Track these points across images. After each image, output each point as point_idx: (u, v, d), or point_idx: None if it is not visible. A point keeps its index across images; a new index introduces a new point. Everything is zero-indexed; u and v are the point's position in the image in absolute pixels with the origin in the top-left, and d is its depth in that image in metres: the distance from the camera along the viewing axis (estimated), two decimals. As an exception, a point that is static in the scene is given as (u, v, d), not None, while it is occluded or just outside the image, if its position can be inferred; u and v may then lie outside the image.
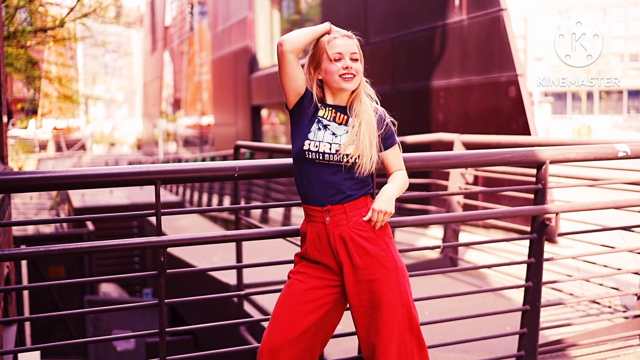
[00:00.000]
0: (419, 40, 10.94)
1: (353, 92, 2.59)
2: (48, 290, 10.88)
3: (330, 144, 2.50)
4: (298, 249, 2.75)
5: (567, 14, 67.95)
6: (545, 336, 4.06)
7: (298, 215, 9.93)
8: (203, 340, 7.67)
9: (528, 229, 3.74)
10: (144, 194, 17.32)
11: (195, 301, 3.29)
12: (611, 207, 4.11)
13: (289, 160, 3.00)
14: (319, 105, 2.59)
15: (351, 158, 2.48)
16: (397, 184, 2.61)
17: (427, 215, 6.39)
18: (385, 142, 2.61)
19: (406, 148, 7.33)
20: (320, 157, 2.50)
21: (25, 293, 10.31)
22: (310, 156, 2.51)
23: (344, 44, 2.55)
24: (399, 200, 2.85)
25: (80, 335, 10.62)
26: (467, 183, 6.53)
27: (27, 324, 9.37)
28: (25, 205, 23.85)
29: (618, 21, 69.45)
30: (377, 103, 2.65)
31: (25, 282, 10.46)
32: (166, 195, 17.99)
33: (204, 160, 20.82)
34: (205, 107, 34.62)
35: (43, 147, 38.76)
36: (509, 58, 8.86)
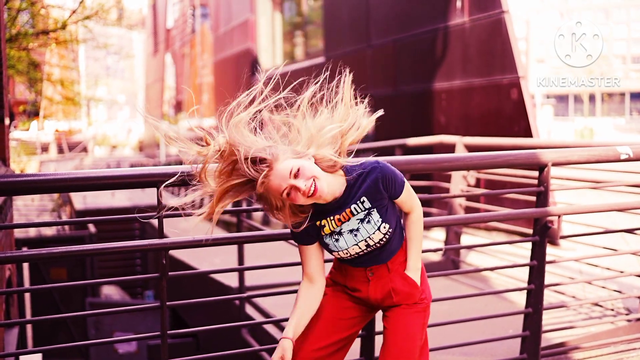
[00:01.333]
0: (421, 43, 10.94)
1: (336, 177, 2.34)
2: (50, 292, 10.88)
3: (357, 244, 2.36)
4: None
5: (569, 16, 67.90)
6: (547, 339, 4.06)
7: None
8: (205, 342, 7.66)
9: (530, 231, 3.73)
10: (146, 197, 17.31)
11: (197, 303, 3.29)
12: (614, 210, 4.10)
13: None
14: (320, 222, 2.38)
15: (382, 240, 2.36)
16: (417, 250, 2.49)
17: (429, 217, 6.37)
18: (394, 195, 2.37)
19: (408, 150, 7.33)
20: (356, 256, 2.40)
21: (27, 295, 10.31)
22: (345, 259, 2.43)
23: (277, 183, 2.20)
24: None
25: (82, 338, 10.61)
26: (469, 185, 6.52)
27: (29, 327, 9.36)
28: (27, 208, 23.86)
29: (620, 23, 69.42)
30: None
31: (27, 284, 10.47)
32: (167, 198, 17.98)
33: (205, 162, 20.75)
34: (207, 109, 34.62)
35: (45, 149, 38.80)
36: (511, 60, 8.86)
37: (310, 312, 2.45)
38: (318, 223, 2.38)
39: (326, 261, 2.57)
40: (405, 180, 2.41)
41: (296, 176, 2.18)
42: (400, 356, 2.43)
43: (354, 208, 2.34)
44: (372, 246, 2.37)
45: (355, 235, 2.35)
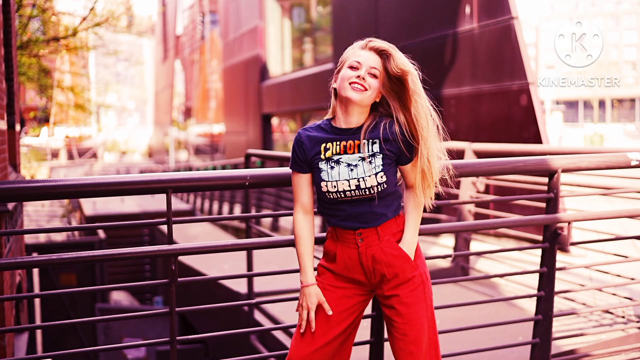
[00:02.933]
0: (430, 49, 10.94)
1: (369, 114, 2.48)
2: (59, 298, 10.90)
3: (348, 180, 2.40)
4: None
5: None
6: (557, 346, 4.03)
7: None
8: (213, 349, 7.66)
9: (540, 238, 3.71)
10: (155, 202, 17.37)
11: (206, 309, 3.29)
12: (624, 216, 4.08)
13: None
14: (326, 143, 2.47)
15: (372, 189, 2.40)
16: (415, 225, 2.53)
17: (438, 224, 6.36)
18: (405, 158, 2.48)
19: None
20: (342, 195, 2.42)
21: (37, 301, 10.36)
22: (331, 196, 2.44)
23: (366, 57, 2.46)
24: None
25: (91, 343, 10.64)
26: (478, 192, 6.50)
27: (39, 332, 9.40)
28: (37, 213, 23.99)
29: (630, 29, 69.20)
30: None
31: (36, 290, 10.51)
32: (177, 204, 18.03)
33: (214, 168, 20.88)
34: (216, 116, 34.73)
35: (55, 155, 39.05)
36: (520, 66, 8.84)
37: (313, 248, 2.57)
38: (323, 145, 2.46)
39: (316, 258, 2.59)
40: (418, 151, 2.47)
41: (372, 75, 2.44)
42: (411, 343, 2.49)
43: (364, 144, 2.42)
44: (362, 190, 2.40)
45: (352, 170, 2.42)
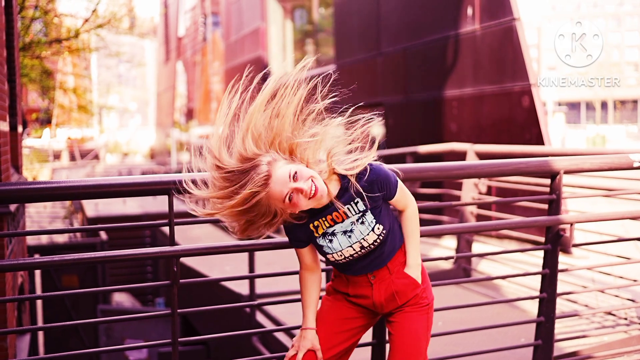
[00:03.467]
0: (432, 50, 10.94)
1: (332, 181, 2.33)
2: (61, 299, 10.92)
3: (351, 245, 2.37)
4: None
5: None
6: (560, 348, 4.03)
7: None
8: (215, 350, 7.66)
9: (542, 239, 3.71)
10: (157, 204, 17.37)
11: (208, 311, 3.29)
12: (627, 218, 4.07)
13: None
14: (312, 223, 2.38)
15: (376, 242, 2.37)
16: (416, 247, 2.49)
17: (440, 225, 6.36)
18: (389, 196, 2.39)
19: (419, 158, 7.32)
20: (351, 258, 2.40)
21: (39, 302, 10.35)
22: (340, 262, 2.42)
23: (279, 190, 2.18)
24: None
25: (93, 345, 10.64)
26: (480, 193, 6.50)
27: (41, 334, 9.40)
28: (39, 215, 24.00)
29: (632, 30, 69.17)
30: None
31: (38, 291, 10.51)
32: (179, 205, 18.03)
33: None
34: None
35: (57, 156, 39.06)
36: (522, 67, 8.84)
37: (318, 298, 2.53)
38: (311, 225, 2.38)
39: (324, 270, 2.58)
40: (398, 179, 2.42)
41: (295, 179, 2.17)
42: (407, 357, 2.43)
43: (348, 209, 2.33)
44: (367, 247, 2.37)
45: (350, 236, 2.36)
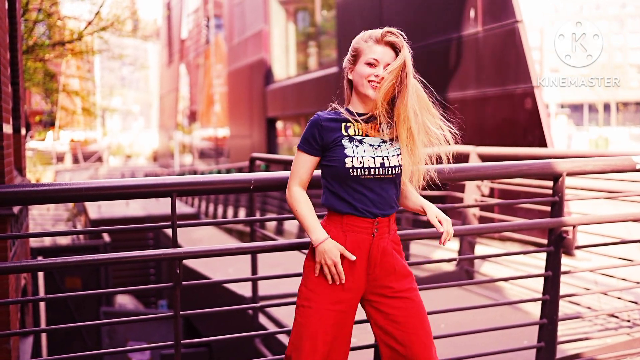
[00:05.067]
0: (434, 52, 10.94)
1: (385, 104, 2.48)
2: (64, 301, 10.93)
3: (374, 157, 2.43)
4: None
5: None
6: (562, 350, 4.02)
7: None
8: (218, 352, 7.66)
9: (545, 241, 3.71)
10: (160, 206, 17.39)
11: (211, 313, 3.29)
12: (629, 220, 4.07)
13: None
14: (347, 124, 2.49)
15: (395, 169, 2.45)
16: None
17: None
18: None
19: (421, 160, 7.31)
20: (366, 173, 2.42)
21: (42, 304, 10.37)
22: (355, 173, 2.41)
23: (382, 52, 2.49)
24: (415, 213, 2.84)
25: (95, 347, 10.65)
26: (483, 195, 6.49)
27: (44, 335, 9.42)
28: (42, 217, 24.03)
29: (635, 32, 69.04)
30: None
31: (41, 293, 10.52)
32: (182, 207, 18.06)
33: (219, 172, 20.89)
34: (220, 119, 34.78)
35: (60, 159, 39.14)
36: (525, 70, 8.84)
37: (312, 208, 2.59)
38: (344, 125, 2.48)
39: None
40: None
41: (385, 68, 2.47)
42: (428, 339, 2.49)
43: (383, 128, 2.49)
44: (386, 169, 2.44)
45: (376, 149, 2.46)
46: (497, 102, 9.49)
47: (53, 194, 2.78)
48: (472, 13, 9.92)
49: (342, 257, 2.45)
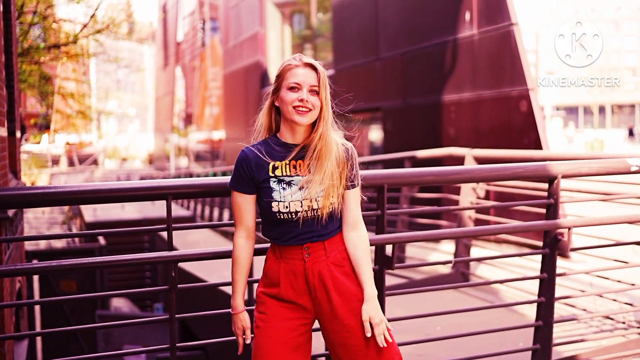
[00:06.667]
0: (430, 55, 10.96)
1: (314, 129, 2.39)
2: (60, 304, 10.89)
3: (301, 201, 2.34)
4: None
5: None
6: (558, 352, 4.03)
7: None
8: (213, 355, 7.65)
9: (540, 243, 3.71)
10: (156, 209, 17.37)
11: (206, 316, 3.29)
12: (624, 222, 4.08)
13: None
14: (275, 163, 2.39)
15: (324, 209, 2.35)
16: (370, 271, 2.44)
17: (439, 230, 6.36)
18: (352, 181, 2.42)
19: (417, 162, 7.33)
20: (292, 217, 2.35)
21: (37, 308, 10.33)
22: (282, 217, 2.35)
23: (304, 74, 2.38)
24: (411, 215, 2.84)
25: (91, 350, 10.62)
26: (478, 197, 6.50)
27: (39, 339, 9.39)
28: (38, 220, 23.99)
29: (630, 35, 69.27)
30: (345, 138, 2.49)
31: (36, 296, 10.50)
32: (177, 210, 18.03)
33: (215, 175, 20.87)
34: (216, 122, 34.77)
35: (56, 162, 39.05)
36: (520, 72, 8.86)
37: (249, 270, 2.52)
38: (272, 165, 2.38)
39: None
40: (360, 189, 2.47)
41: (313, 93, 2.37)
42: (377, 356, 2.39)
43: (312, 165, 2.36)
44: (314, 211, 2.34)
45: (302, 191, 2.34)
46: (492, 105, 9.51)
47: (48, 196, 2.77)
48: (467, 16, 9.94)
49: (284, 281, 2.42)
